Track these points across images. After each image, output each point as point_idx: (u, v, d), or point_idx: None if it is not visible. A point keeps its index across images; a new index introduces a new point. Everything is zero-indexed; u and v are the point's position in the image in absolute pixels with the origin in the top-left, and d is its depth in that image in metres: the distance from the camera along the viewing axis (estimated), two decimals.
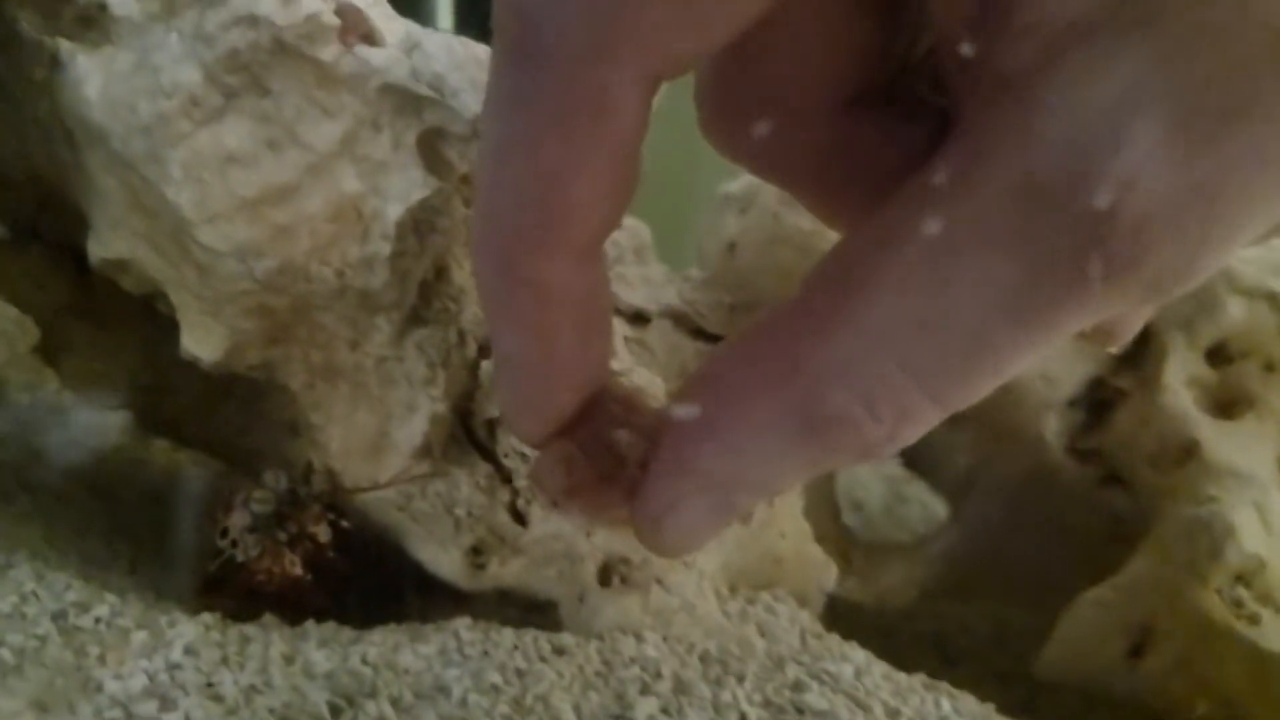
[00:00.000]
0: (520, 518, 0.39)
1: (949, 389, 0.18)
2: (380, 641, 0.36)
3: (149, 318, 0.41)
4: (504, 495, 0.40)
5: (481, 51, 0.36)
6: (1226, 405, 0.46)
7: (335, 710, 0.32)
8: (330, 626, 0.37)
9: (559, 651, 0.37)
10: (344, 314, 0.37)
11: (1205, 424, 0.45)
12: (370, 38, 0.36)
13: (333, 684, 0.33)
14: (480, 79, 0.36)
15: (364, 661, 0.35)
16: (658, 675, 0.36)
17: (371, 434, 0.39)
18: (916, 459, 0.55)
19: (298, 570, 0.36)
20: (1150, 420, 0.46)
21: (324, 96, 0.35)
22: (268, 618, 0.37)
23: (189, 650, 0.33)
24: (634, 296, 0.49)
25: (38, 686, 0.31)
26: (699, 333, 0.50)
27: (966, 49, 0.18)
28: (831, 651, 0.40)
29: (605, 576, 0.40)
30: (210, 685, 0.32)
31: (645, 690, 0.35)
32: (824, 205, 0.23)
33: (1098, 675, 0.43)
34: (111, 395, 0.43)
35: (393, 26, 0.36)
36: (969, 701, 0.40)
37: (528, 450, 0.39)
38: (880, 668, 0.39)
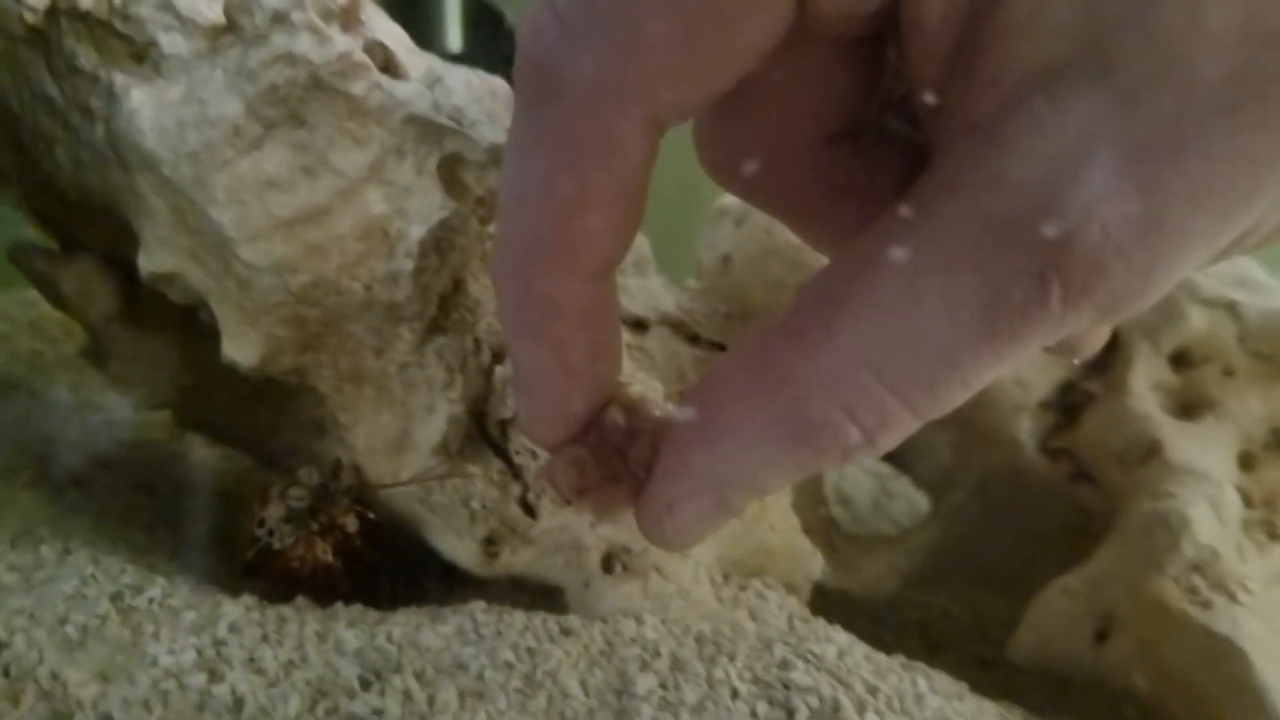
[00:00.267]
0: (530, 510, 0.43)
1: (923, 400, 0.20)
2: (403, 622, 0.39)
3: (189, 326, 0.44)
4: (515, 490, 0.43)
5: (498, 85, 0.39)
6: (1188, 408, 0.49)
7: (365, 683, 0.36)
8: (357, 608, 0.40)
9: (566, 632, 0.40)
10: (370, 324, 0.40)
11: (1168, 425, 0.49)
12: (395, 71, 0.39)
13: (362, 660, 0.37)
14: (495, 110, 0.39)
15: (389, 640, 0.38)
16: (656, 654, 0.40)
17: (394, 433, 0.42)
18: (901, 457, 0.58)
19: (328, 557, 0.40)
20: (1117, 422, 0.49)
21: (354, 127, 0.38)
22: (300, 600, 0.40)
23: (233, 628, 0.37)
24: (634, 305, 0.52)
25: (100, 660, 0.34)
26: (695, 339, 0.53)
27: (929, 98, 0.21)
28: (816, 634, 0.43)
29: (608, 565, 0.43)
30: (253, 660, 0.36)
31: (645, 667, 0.39)
32: (810, 231, 0.25)
33: (1065, 659, 0.46)
34: (153, 396, 0.46)
35: (416, 62, 0.39)
36: (944, 680, 0.43)
37: (537, 449, 0.43)
38: (861, 649, 0.43)
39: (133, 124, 0.38)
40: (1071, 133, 0.18)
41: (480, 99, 0.39)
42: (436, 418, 0.42)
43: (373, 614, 0.40)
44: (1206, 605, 0.43)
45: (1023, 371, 0.51)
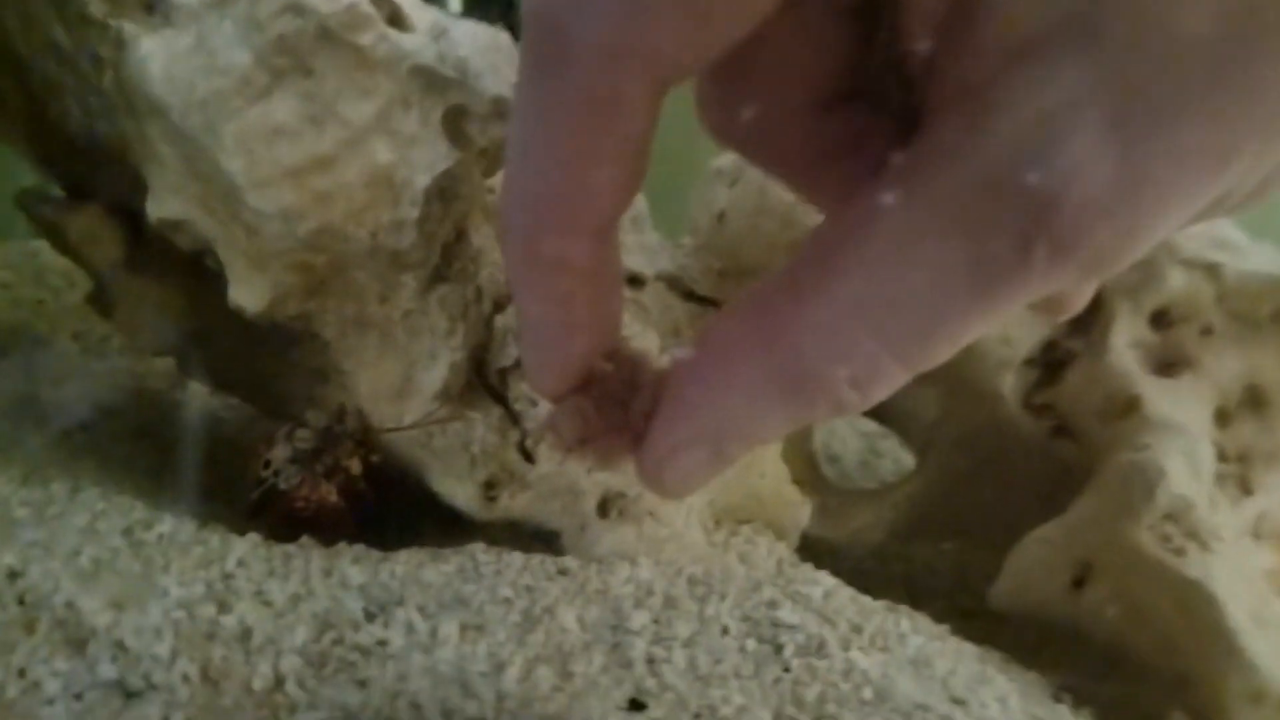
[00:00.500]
0: (529, 456, 0.44)
1: (912, 353, 0.21)
2: (406, 560, 0.41)
3: (194, 273, 0.45)
4: (514, 436, 0.44)
5: (502, 38, 0.40)
6: (1166, 366, 0.51)
7: (370, 615, 0.37)
8: (360, 547, 0.42)
9: (563, 572, 0.42)
10: (375, 271, 0.41)
11: (1147, 382, 0.50)
12: (401, 23, 0.40)
13: (366, 594, 0.38)
14: (499, 63, 0.40)
15: (392, 576, 0.39)
16: (650, 593, 0.41)
17: (397, 379, 0.43)
18: (888, 413, 0.60)
19: (333, 498, 0.41)
20: (1098, 378, 0.51)
21: (361, 77, 0.39)
22: (305, 539, 0.42)
23: (240, 563, 0.38)
24: (631, 261, 0.53)
25: (113, 590, 0.35)
26: (690, 295, 0.54)
27: (922, 63, 0.22)
28: (804, 576, 0.45)
29: (604, 509, 0.44)
30: (260, 593, 0.37)
31: (639, 605, 0.40)
32: (807, 190, 0.26)
33: (1043, 605, 0.48)
34: (158, 342, 0.47)
35: (422, 15, 0.40)
36: (925, 622, 0.45)
37: (536, 396, 0.44)
38: (847, 591, 0.44)
39: (142, 72, 0.39)
40: (1058, 96, 0.18)
41: (485, 51, 0.39)
42: (438, 364, 0.43)
43: (375, 553, 0.41)
44: (1180, 553, 0.44)
45: (1008, 329, 0.52)
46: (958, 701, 0.39)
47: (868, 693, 0.38)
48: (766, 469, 0.47)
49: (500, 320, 0.44)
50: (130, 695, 0.33)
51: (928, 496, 0.56)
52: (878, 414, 0.62)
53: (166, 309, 0.46)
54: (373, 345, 0.43)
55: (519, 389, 0.44)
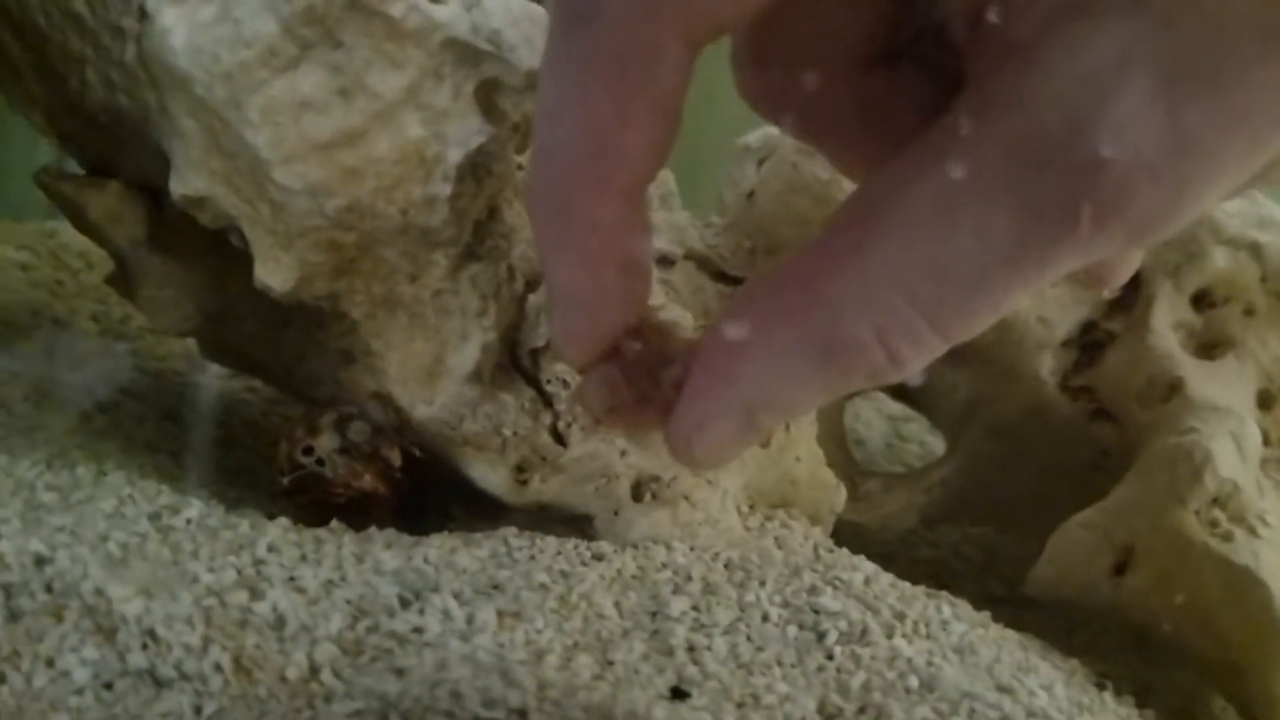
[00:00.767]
0: (561, 439, 0.43)
1: (952, 322, 0.20)
2: (438, 545, 0.40)
3: (218, 252, 0.44)
4: (546, 418, 0.43)
5: (535, 10, 0.39)
6: (1209, 347, 0.50)
7: (404, 602, 0.36)
8: (391, 532, 0.41)
9: (598, 557, 0.41)
10: (405, 250, 0.40)
11: (1189, 364, 0.49)
12: None
13: (400, 580, 0.37)
14: (533, 35, 0.39)
15: (426, 561, 0.38)
16: (688, 578, 0.40)
17: (427, 361, 0.42)
18: (917, 395, 0.59)
19: (376, 485, 0.40)
20: (1138, 360, 0.50)
21: (391, 49, 0.38)
22: (335, 523, 0.41)
23: (272, 548, 0.37)
24: (659, 240, 0.52)
25: (142, 577, 0.35)
26: (720, 275, 0.53)
27: (993, 16, 0.21)
28: (842, 562, 0.44)
29: (638, 493, 0.44)
30: (293, 579, 0.36)
31: (677, 591, 0.39)
32: (845, 157, 0.25)
33: (1083, 591, 0.47)
34: (180, 323, 0.46)
35: None
36: (966, 609, 0.44)
37: (569, 377, 0.43)
38: (887, 577, 0.43)
39: (165, 43, 0.38)
40: (1106, 55, 0.18)
41: (518, 23, 0.38)
42: (470, 345, 0.42)
43: (407, 538, 0.41)
44: (1227, 538, 0.43)
45: (1046, 309, 0.51)
46: (1004, 690, 0.38)
47: (913, 681, 0.37)
48: (802, 452, 0.46)
49: (533, 300, 0.43)
50: (161, 684, 0.32)
51: (961, 481, 0.55)
52: (907, 396, 0.61)
53: (189, 289, 0.45)
54: (402, 325, 0.42)
55: (551, 370, 0.43)
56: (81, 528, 0.36)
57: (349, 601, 0.36)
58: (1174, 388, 0.48)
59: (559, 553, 0.41)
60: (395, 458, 0.40)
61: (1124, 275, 0.25)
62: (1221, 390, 0.48)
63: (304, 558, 0.37)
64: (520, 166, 0.44)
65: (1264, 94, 0.18)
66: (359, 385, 0.45)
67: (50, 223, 0.63)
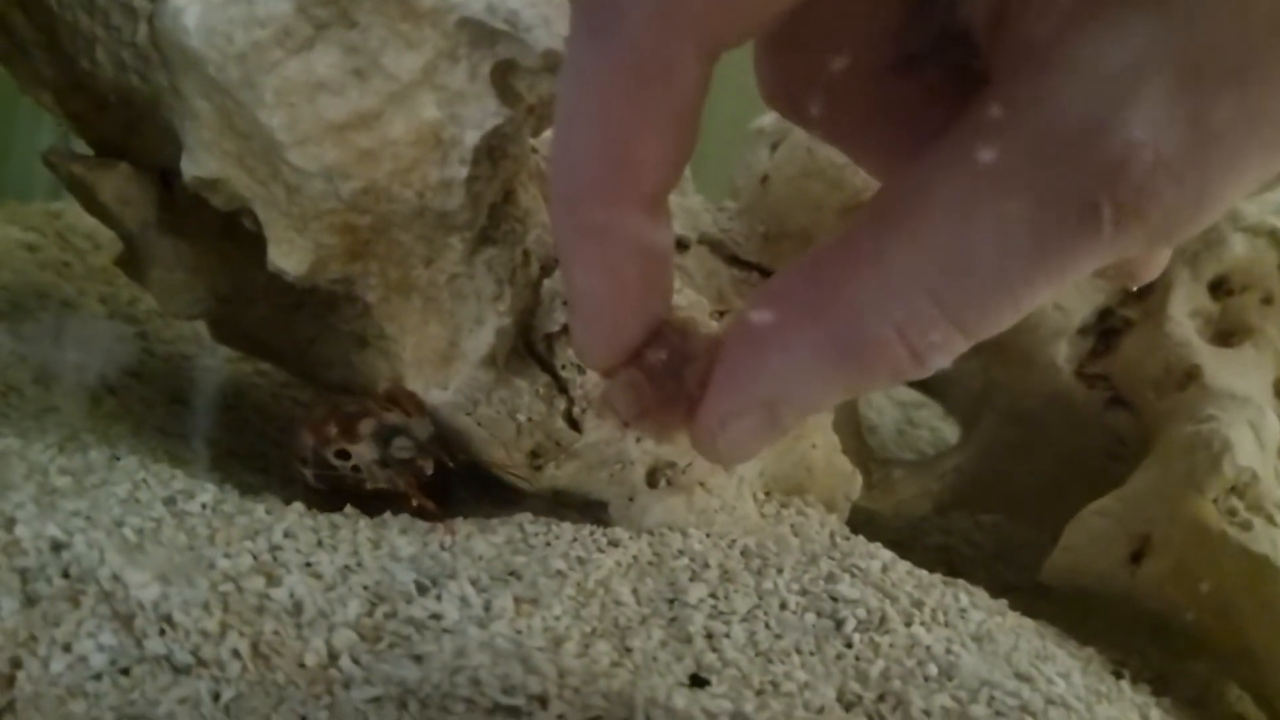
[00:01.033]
0: (575, 425, 0.43)
1: (974, 321, 0.20)
2: (454, 531, 0.40)
3: (228, 234, 0.44)
4: (561, 404, 0.43)
5: None
6: (1226, 334, 0.50)
7: (421, 588, 0.36)
8: (404, 518, 0.41)
9: (614, 544, 0.41)
10: (421, 233, 0.40)
11: (1206, 351, 0.49)
12: None
13: (417, 566, 0.37)
14: (550, 15, 0.38)
15: (442, 547, 0.38)
16: (705, 565, 0.40)
17: (442, 345, 0.42)
18: (931, 382, 0.58)
19: (404, 490, 0.40)
20: (1155, 347, 0.49)
21: (407, 29, 0.37)
22: (349, 509, 0.40)
23: (288, 534, 0.37)
24: (674, 225, 0.51)
25: (159, 562, 0.34)
26: (734, 259, 0.53)
27: (987, 7, 0.20)
28: (859, 550, 0.43)
29: (653, 479, 0.43)
30: (309, 565, 0.36)
31: (695, 578, 0.39)
32: (867, 158, 0.25)
33: (1100, 579, 0.47)
34: (191, 306, 0.45)
35: None
36: (984, 596, 0.44)
37: (582, 363, 0.43)
38: (904, 565, 0.43)
39: (178, 23, 0.37)
40: (1128, 54, 0.18)
41: (535, 3, 0.38)
42: (485, 330, 0.41)
43: (420, 524, 0.40)
44: (1245, 526, 0.43)
45: (1062, 296, 0.51)
46: (1023, 678, 0.38)
47: (932, 669, 0.37)
48: (818, 439, 0.46)
49: (548, 284, 0.42)
50: (179, 670, 0.32)
51: (975, 468, 0.54)
52: (921, 383, 0.61)
53: (199, 272, 0.45)
54: (417, 309, 0.42)
55: (566, 356, 0.43)
56: (97, 512, 0.36)
57: (366, 587, 0.35)
58: (1191, 376, 0.48)
59: (575, 539, 0.40)
60: (429, 468, 0.40)
61: (1153, 271, 0.25)
62: (1239, 378, 0.48)
63: (320, 543, 0.37)
64: (535, 150, 0.44)
65: None
66: (372, 369, 0.44)
67: (56, 203, 0.62)
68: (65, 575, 0.33)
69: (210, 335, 0.49)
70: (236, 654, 0.32)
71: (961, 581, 0.44)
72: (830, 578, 0.40)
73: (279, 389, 0.52)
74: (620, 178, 0.21)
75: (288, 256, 0.40)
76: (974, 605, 0.42)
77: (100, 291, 0.55)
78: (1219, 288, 0.50)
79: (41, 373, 0.46)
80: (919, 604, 0.40)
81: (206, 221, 0.44)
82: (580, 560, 0.39)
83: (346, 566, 0.36)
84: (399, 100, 0.38)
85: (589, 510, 0.44)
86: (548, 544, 0.40)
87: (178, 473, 0.39)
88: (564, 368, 0.43)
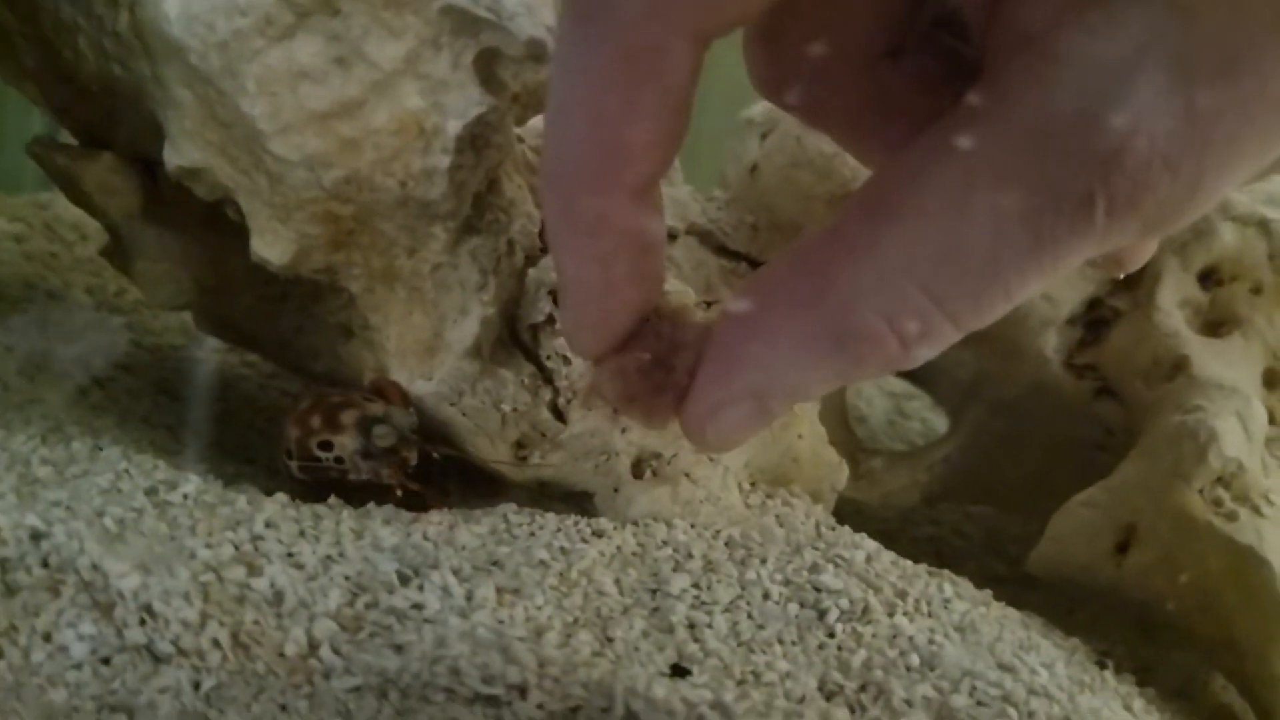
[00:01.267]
0: (560, 415, 0.43)
1: (965, 311, 0.20)
2: (437, 521, 0.39)
3: (213, 225, 0.44)
4: (546, 394, 0.43)
5: None
6: (1215, 325, 0.49)
7: (403, 578, 0.36)
8: (389, 508, 0.40)
9: (598, 534, 0.41)
10: (404, 222, 0.40)
11: (1195, 342, 0.49)
12: None
13: (399, 556, 0.37)
14: (534, 3, 0.38)
15: (425, 538, 0.38)
16: (689, 556, 0.40)
17: (426, 335, 0.42)
18: (920, 372, 0.58)
19: (389, 482, 0.40)
20: (1144, 338, 0.49)
21: (389, 17, 0.37)
22: (333, 499, 0.40)
23: (270, 524, 0.37)
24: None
25: (139, 552, 0.34)
26: (722, 250, 0.53)
27: (982, 11, 0.20)
28: (844, 540, 0.43)
29: (638, 470, 0.43)
30: (291, 555, 0.36)
31: (678, 568, 0.39)
32: (860, 146, 0.25)
33: (1085, 570, 0.47)
34: (176, 296, 0.45)
35: None
36: (968, 587, 0.44)
37: (569, 354, 0.42)
38: (889, 555, 0.43)
39: (159, 11, 0.37)
40: (1123, 45, 0.18)
41: None
42: (469, 320, 0.41)
43: (404, 514, 0.40)
44: (1231, 517, 0.43)
45: (1050, 287, 0.50)
46: (1006, 668, 0.38)
47: (915, 659, 0.37)
48: (804, 429, 0.46)
49: (533, 274, 0.42)
50: (159, 660, 0.32)
51: (963, 459, 0.54)
52: (909, 374, 0.61)
53: (184, 262, 0.45)
54: (400, 300, 0.41)
55: (551, 346, 0.43)
56: (77, 502, 0.36)
57: (348, 578, 0.35)
58: (1179, 366, 0.48)
59: (559, 529, 0.40)
60: (413, 458, 0.40)
61: (1141, 259, 0.25)
62: (1227, 369, 0.48)
63: (302, 533, 0.37)
64: (520, 139, 0.44)
65: (1276, 81, 0.18)
66: (357, 360, 0.44)
67: (44, 194, 0.62)
68: (45, 565, 0.33)
69: (196, 326, 0.49)
70: (217, 644, 0.32)
71: (946, 572, 0.44)
72: (814, 568, 0.40)
73: (266, 380, 0.52)
74: (611, 165, 0.21)
75: (271, 246, 0.39)
76: (958, 596, 0.42)
77: (87, 283, 0.55)
78: (1208, 278, 0.50)
79: (26, 364, 0.46)
80: (903, 594, 0.40)
81: (191, 212, 0.43)
82: (564, 550, 0.39)
83: (328, 556, 0.36)
84: (381, 89, 0.38)
85: (574, 501, 0.44)
86: (531, 534, 0.40)
87: (160, 463, 0.39)
88: (549, 358, 0.43)
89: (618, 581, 0.38)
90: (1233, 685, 0.46)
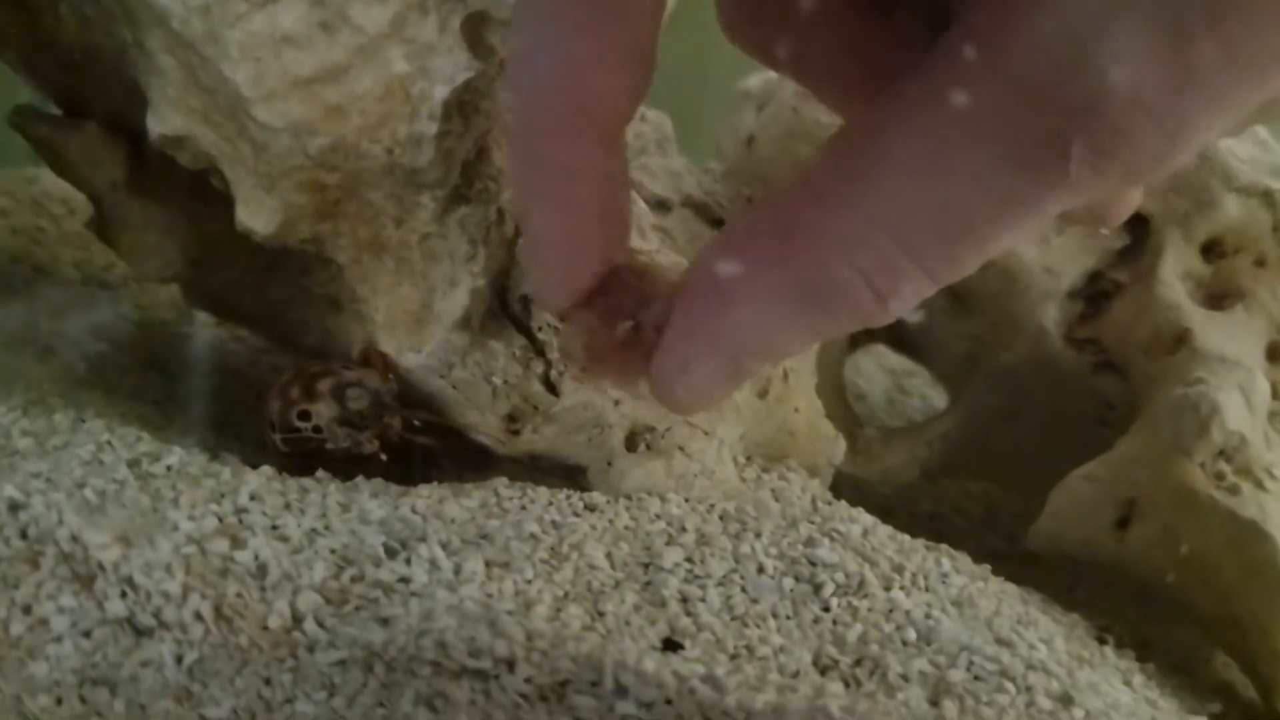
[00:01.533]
0: (553, 388, 0.42)
1: (939, 263, 0.20)
2: (426, 495, 0.39)
3: (199, 194, 0.43)
4: (538, 367, 0.42)
5: None
6: (1218, 297, 0.49)
7: (390, 551, 0.35)
8: (379, 481, 0.40)
9: (590, 508, 0.40)
10: (391, 191, 0.39)
11: (1197, 315, 0.48)
12: None
13: (387, 529, 0.36)
14: None
15: (413, 511, 0.37)
16: (682, 529, 0.39)
17: (415, 306, 0.41)
18: (919, 347, 0.58)
19: (373, 452, 0.39)
20: (1145, 311, 0.49)
21: None
22: (321, 472, 0.40)
23: (254, 497, 0.36)
24: (656, 186, 0.51)
25: (120, 524, 0.34)
26: (718, 223, 0.52)
27: None
28: (840, 514, 0.43)
29: (632, 443, 0.43)
30: (275, 528, 0.35)
31: (671, 542, 0.39)
32: (837, 98, 0.24)
33: (1085, 545, 0.46)
34: (162, 268, 0.45)
35: None
36: (966, 562, 0.43)
37: (560, 324, 0.42)
38: (885, 530, 0.43)
39: None
40: None
41: None
42: (458, 291, 0.40)
43: (395, 487, 0.40)
44: (1233, 491, 0.42)
45: (1051, 259, 0.50)
46: (1004, 643, 0.37)
47: (911, 633, 0.36)
48: (800, 403, 0.45)
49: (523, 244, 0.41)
50: (141, 633, 0.31)
51: (962, 434, 0.54)
52: (908, 348, 0.60)
53: (171, 233, 0.44)
54: (388, 271, 0.41)
55: (543, 317, 0.42)
56: (58, 474, 0.35)
57: (333, 551, 0.35)
58: (1181, 339, 0.47)
59: (550, 503, 0.40)
60: (396, 425, 0.39)
61: (1123, 214, 0.24)
62: (1230, 342, 0.47)
63: (288, 506, 0.36)
64: None
65: (1265, 29, 0.17)
66: (347, 333, 0.44)
67: (31, 169, 0.62)
68: (23, 536, 0.32)
69: (185, 300, 0.48)
70: (199, 616, 0.32)
71: (944, 546, 0.43)
72: (809, 542, 0.40)
73: (256, 354, 0.51)
74: (576, 109, 0.20)
75: (256, 216, 0.39)
76: (955, 570, 0.41)
77: (75, 257, 0.54)
78: (1211, 250, 0.49)
79: (11, 339, 0.45)
80: (899, 569, 0.39)
81: (177, 182, 0.43)
82: (555, 524, 0.38)
83: (314, 529, 0.35)
84: (367, 54, 0.37)
85: (567, 475, 0.43)
86: (522, 508, 0.39)
87: (144, 435, 0.39)
88: (540, 330, 0.42)
89: (609, 555, 0.37)
90: (1234, 660, 0.46)
